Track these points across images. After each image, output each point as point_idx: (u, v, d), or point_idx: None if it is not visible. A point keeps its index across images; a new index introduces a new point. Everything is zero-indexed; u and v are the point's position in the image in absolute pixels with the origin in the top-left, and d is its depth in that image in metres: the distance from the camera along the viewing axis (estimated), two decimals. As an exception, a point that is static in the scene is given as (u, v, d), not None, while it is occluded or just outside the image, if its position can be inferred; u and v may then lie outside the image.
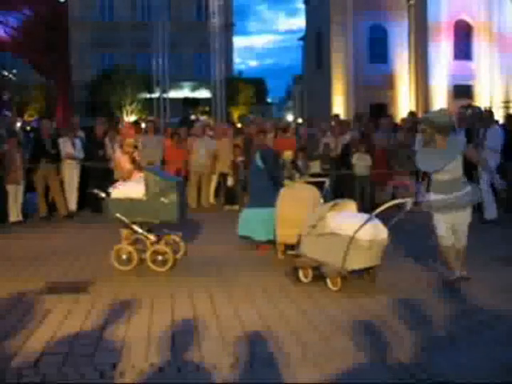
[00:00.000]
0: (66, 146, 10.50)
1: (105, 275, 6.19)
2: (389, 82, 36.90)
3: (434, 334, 4.34)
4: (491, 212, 9.15)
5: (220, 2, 24.67)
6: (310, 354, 3.96)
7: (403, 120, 12.93)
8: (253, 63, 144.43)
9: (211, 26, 24.42)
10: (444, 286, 5.63)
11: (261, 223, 7.15)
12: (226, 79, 28.36)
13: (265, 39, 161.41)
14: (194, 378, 3.63)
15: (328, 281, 5.53)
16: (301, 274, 5.82)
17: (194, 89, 38.09)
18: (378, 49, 37.13)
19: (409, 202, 5.55)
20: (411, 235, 8.08)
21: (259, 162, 7.41)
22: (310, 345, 4.12)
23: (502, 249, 7.24)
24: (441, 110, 6.24)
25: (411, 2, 36.74)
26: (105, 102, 32.20)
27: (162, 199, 6.17)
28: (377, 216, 5.51)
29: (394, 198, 10.35)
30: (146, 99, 32.53)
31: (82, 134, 11.53)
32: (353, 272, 5.54)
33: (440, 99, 35.19)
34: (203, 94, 35.95)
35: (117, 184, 6.68)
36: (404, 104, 36.10)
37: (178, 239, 6.87)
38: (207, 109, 31.71)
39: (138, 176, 6.57)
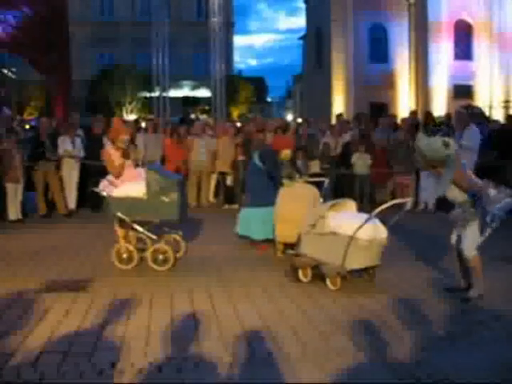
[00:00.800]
0: (65, 144, 10.50)
1: (104, 274, 6.18)
2: (389, 82, 36.88)
3: (434, 334, 4.34)
4: None
5: (220, 1, 24.64)
6: (309, 353, 3.96)
7: (403, 120, 12.94)
8: (253, 62, 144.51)
9: (211, 25, 24.38)
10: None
11: (260, 222, 7.17)
12: (226, 78, 28.32)
13: (265, 38, 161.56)
14: (193, 376, 3.63)
15: (327, 280, 5.53)
16: (300, 273, 5.82)
17: (193, 88, 38.08)
18: (378, 48, 37.13)
19: (409, 201, 5.55)
20: (411, 235, 8.08)
21: (257, 161, 7.42)
22: (309, 344, 4.12)
23: (502, 249, 7.23)
24: (437, 140, 5.02)
25: (411, 2, 36.72)
26: (105, 100, 32.18)
27: (163, 198, 6.16)
28: (376, 216, 5.51)
29: (393, 197, 10.36)
30: (145, 98, 32.51)
31: (81, 132, 11.51)
32: (352, 272, 5.55)
33: (440, 99, 35.21)
34: (203, 92, 35.93)
35: (107, 178, 6.60)
36: (404, 104, 36.09)
37: (178, 238, 6.87)
38: (207, 108, 31.69)
39: (137, 174, 6.52)
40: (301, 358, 3.87)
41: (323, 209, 5.78)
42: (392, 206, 5.54)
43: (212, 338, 4.26)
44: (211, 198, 12.06)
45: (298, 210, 6.42)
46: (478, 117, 11.84)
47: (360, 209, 6.29)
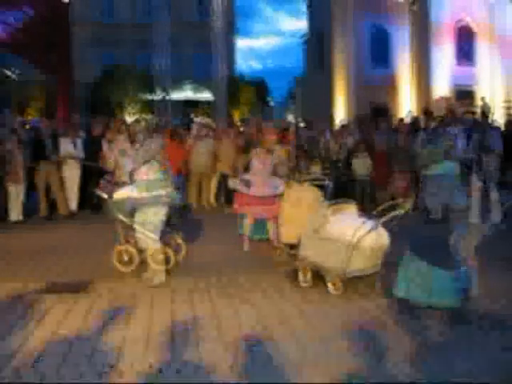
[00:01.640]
0: (66, 145, 10.50)
1: (104, 275, 6.18)
2: (390, 84, 36.86)
3: (433, 338, 4.34)
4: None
5: (222, 3, 24.66)
6: (309, 356, 3.96)
7: (402, 120, 12.95)
8: (255, 64, 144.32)
9: (213, 27, 24.41)
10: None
11: (259, 222, 7.24)
12: (228, 80, 28.34)
13: (267, 40, 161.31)
14: (192, 378, 3.63)
15: (329, 285, 5.52)
16: (301, 276, 5.81)
17: (195, 90, 38.09)
18: (379, 51, 37.10)
19: (407, 205, 5.52)
20: (412, 238, 8.06)
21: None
22: (309, 347, 4.12)
23: (502, 250, 7.22)
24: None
25: (414, 9, 36.74)
26: (106, 101, 32.18)
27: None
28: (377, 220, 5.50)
29: (393, 199, 10.34)
30: (147, 100, 32.51)
31: (82, 133, 11.52)
32: (353, 277, 5.53)
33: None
34: (204, 95, 35.93)
35: (105, 178, 6.61)
36: (405, 106, 36.03)
37: (179, 240, 6.86)
38: (208, 110, 31.68)
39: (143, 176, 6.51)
40: (300, 362, 3.87)
41: (324, 211, 5.77)
42: (393, 207, 5.53)
43: (212, 340, 4.26)
44: (212, 200, 12.06)
45: (300, 210, 6.44)
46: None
47: (361, 210, 6.28)
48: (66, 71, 18.47)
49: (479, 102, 29.88)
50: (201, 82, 35.76)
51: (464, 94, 34.22)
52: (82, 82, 28.58)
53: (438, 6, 35.29)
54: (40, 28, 17.09)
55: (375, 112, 30.53)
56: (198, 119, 26.20)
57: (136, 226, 6.13)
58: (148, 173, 5.99)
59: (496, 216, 9.44)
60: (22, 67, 28.47)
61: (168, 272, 6.16)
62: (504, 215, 9.52)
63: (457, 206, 5.08)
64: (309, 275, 5.77)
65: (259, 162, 7.35)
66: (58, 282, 5.93)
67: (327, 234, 5.55)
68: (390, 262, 5.40)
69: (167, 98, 22.93)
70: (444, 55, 35.25)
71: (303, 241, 5.85)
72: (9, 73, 31.05)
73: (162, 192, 5.98)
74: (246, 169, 7.49)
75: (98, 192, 6.54)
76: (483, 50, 35.81)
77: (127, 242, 6.52)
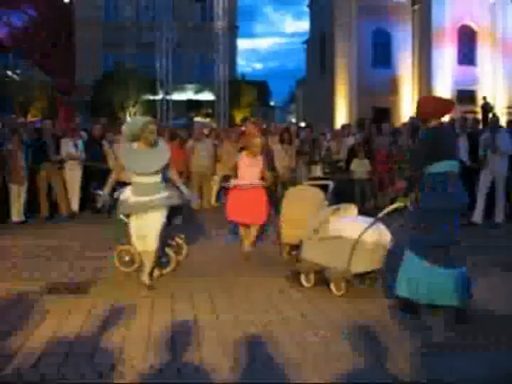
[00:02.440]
0: (67, 146, 10.52)
1: (105, 276, 6.19)
2: (392, 87, 36.87)
3: (433, 339, 4.34)
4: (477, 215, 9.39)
5: (224, 4, 24.68)
6: (309, 357, 3.96)
7: (404, 124, 12.95)
8: (257, 66, 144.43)
9: (215, 28, 24.42)
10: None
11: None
12: (230, 81, 28.35)
13: (269, 42, 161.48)
14: (193, 379, 3.63)
15: (332, 285, 5.51)
16: (302, 278, 5.81)
17: (197, 91, 38.10)
18: (381, 53, 37.13)
19: (406, 199, 5.50)
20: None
21: None
22: (309, 349, 4.12)
23: (502, 253, 7.22)
24: None
25: (415, 8, 36.75)
26: (108, 102, 32.20)
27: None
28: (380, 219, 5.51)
29: (394, 200, 10.34)
30: (149, 101, 32.52)
31: (84, 134, 11.53)
32: (356, 276, 5.52)
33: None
34: (206, 96, 35.94)
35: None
36: (407, 108, 36.05)
37: (180, 241, 6.87)
38: (210, 111, 31.69)
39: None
40: (301, 361, 3.87)
41: (326, 214, 5.78)
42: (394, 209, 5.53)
43: (212, 340, 4.26)
44: (213, 202, 12.06)
45: (302, 211, 6.44)
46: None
47: (362, 213, 6.28)
48: (68, 72, 18.49)
49: (480, 102, 29.92)
50: (203, 83, 35.78)
51: (466, 96, 34.19)
52: (84, 82, 28.62)
53: (439, 7, 35.29)
54: (42, 29, 17.12)
55: (377, 114, 30.54)
56: (197, 119, 26.24)
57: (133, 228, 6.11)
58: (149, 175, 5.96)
59: (498, 217, 9.43)
60: (24, 68, 28.53)
61: (169, 273, 6.17)
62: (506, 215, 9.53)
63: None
64: (311, 276, 5.77)
65: (245, 165, 7.15)
66: (58, 282, 5.94)
67: (328, 233, 5.55)
68: (391, 261, 5.40)
69: (168, 98, 22.92)
70: (445, 57, 35.23)
71: (305, 244, 5.85)
72: (11, 73, 31.10)
73: (164, 194, 5.94)
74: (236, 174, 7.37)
75: (100, 193, 6.51)
76: (484, 51, 35.80)
77: (129, 242, 6.51)
